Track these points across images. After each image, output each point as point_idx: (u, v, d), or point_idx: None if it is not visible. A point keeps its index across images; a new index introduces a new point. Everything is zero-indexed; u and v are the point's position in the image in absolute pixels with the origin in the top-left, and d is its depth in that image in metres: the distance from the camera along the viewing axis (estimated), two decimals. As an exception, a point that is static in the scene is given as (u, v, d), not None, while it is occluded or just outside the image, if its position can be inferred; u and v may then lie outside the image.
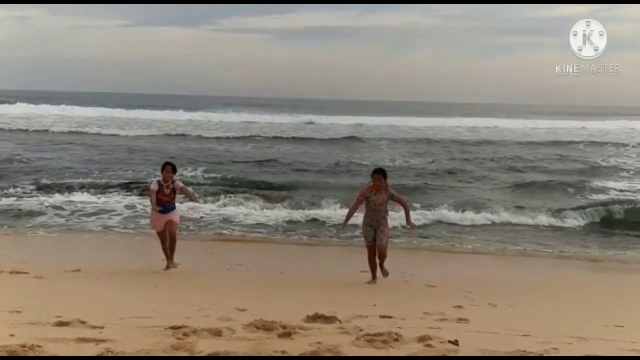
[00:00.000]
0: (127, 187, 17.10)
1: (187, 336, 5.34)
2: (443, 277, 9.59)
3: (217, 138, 33.83)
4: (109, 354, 4.77)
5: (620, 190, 19.42)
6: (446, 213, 14.74)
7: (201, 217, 14.15)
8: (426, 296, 8.21)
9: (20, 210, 14.25)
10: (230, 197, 16.09)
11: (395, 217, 13.14)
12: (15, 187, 16.59)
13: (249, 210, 14.92)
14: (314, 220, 14.26)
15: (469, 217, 14.61)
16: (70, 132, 34.15)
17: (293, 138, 34.92)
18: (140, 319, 5.97)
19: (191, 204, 14.96)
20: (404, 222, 13.54)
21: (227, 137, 34.16)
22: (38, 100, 56.30)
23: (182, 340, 5.20)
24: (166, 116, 48.67)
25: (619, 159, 28.13)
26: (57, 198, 15.40)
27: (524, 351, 5.28)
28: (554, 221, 14.62)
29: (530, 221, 14.58)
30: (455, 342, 5.45)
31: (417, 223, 13.87)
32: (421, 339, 5.50)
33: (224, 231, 13.24)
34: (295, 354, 5.00)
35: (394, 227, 12.18)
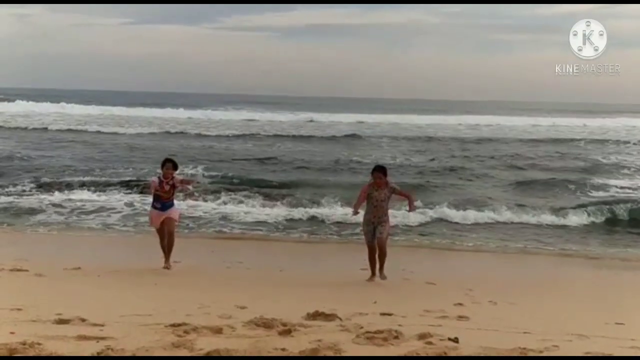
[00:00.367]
0: (127, 184, 17.09)
1: (188, 334, 5.35)
2: (443, 274, 9.59)
3: (218, 136, 33.79)
4: (110, 352, 4.77)
5: (622, 188, 19.40)
6: (447, 211, 14.72)
7: (199, 217, 14.15)
8: (426, 294, 8.21)
9: (20, 208, 14.24)
10: (230, 195, 16.09)
11: (397, 214, 13.18)
12: (15, 185, 16.59)
13: (249, 208, 14.92)
14: (314, 218, 14.25)
15: (470, 215, 14.59)
16: (70, 130, 34.11)
17: (293, 136, 34.89)
18: (141, 316, 5.97)
19: (192, 202, 15.05)
20: (405, 222, 13.61)
21: (228, 135, 34.14)
22: (38, 98, 56.24)
23: (182, 338, 5.21)
24: (167, 114, 48.67)
25: (620, 157, 28.11)
26: (57, 196, 15.40)
27: (524, 348, 5.28)
28: (555, 219, 14.60)
29: (531, 219, 14.56)
30: (456, 340, 5.45)
31: (417, 221, 13.95)
32: (421, 337, 5.51)
33: (224, 229, 13.24)
34: (296, 351, 5.00)
35: (396, 225, 12.22)
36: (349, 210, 14.27)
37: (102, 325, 5.55)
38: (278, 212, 14.60)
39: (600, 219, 14.83)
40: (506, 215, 14.67)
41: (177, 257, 9.38)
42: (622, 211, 15.23)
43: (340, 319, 6.19)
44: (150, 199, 9.75)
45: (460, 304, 7.36)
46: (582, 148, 32.20)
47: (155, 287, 8.07)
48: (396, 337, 5.46)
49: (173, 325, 5.57)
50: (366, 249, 9.02)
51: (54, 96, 64.39)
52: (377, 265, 8.92)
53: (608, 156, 28.11)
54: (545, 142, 34.59)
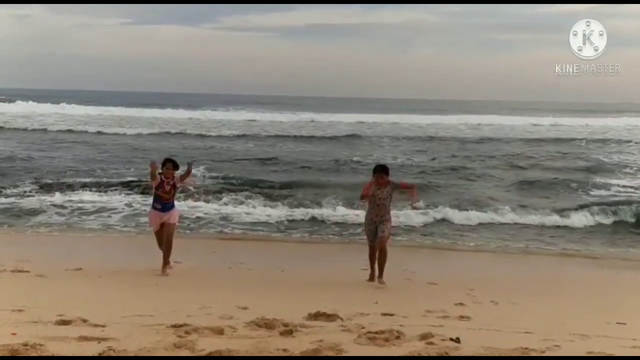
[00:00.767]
0: (128, 185, 17.10)
1: (189, 334, 5.35)
2: (445, 274, 9.59)
3: (219, 136, 33.81)
4: (111, 353, 4.78)
5: (624, 187, 19.39)
6: (448, 211, 14.71)
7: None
8: (428, 294, 8.21)
9: (21, 209, 14.24)
10: (231, 195, 16.09)
11: (399, 214, 13.20)
12: (16, 185, 16.59)
13: (250, 209, 14.91)
14: (316, 218, 14.25)
15: (472, 215, 14.58)
16: (71, 131, 34.13)
17: (294, 136, 34.90)
18: (142, 317, 5.97)
19: (193, 203, 15.05)
20: (407, 223, 13.61)
21: (228, 136, 34.16)
22: (38, 99, 56.23)
23: (183, 339, 5.21)
24: (167, 114, 48.67)
25: (621, 156, 28.12)
26: (58, 197, 15.39)
27: (526, 348, 5.28)
28: (557, 219, 14.58)
29: (532, 219, 14.54)
30: (457, 340, 5.45)
31: (419, 222, 13.95)
32: (423, 337, 5.51)
33: (225, 229, 13.24)
34: (297, 352, 5.00)
35: (397, 225, 12.23)
36: (350, 210, 14.40)
37: (104, 326, 5.55)
38: (279, 212, 14.60)
39: (602, 219, 14.79)
40: (508, 216, 14.65)
41: (178, 257, 9.38)
42: (624, 211, 15.19)
43: (342, 319, 6.19)
44: (150, 199, 9.74)
45: (462, 304, 7.36)
46: (583, 147, 32.19)
47: (157, 288, 8.06)
48: (398, 337, 5.46)
49: (174, 326, 5.57)
50: (367, 248, 9.01)
51: (55, 97, 64.42)
52: (377, 269, 8.87)
53: (610, 155, 28.11)
54: (546, 141, 34.59)
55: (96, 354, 4.73)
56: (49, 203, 14.72)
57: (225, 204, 15.39)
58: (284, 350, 5.01)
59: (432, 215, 14.46)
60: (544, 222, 14.40)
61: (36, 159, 22.24)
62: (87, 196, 15.63)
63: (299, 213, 14.52)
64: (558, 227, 14.20)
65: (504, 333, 5.95)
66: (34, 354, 4.66)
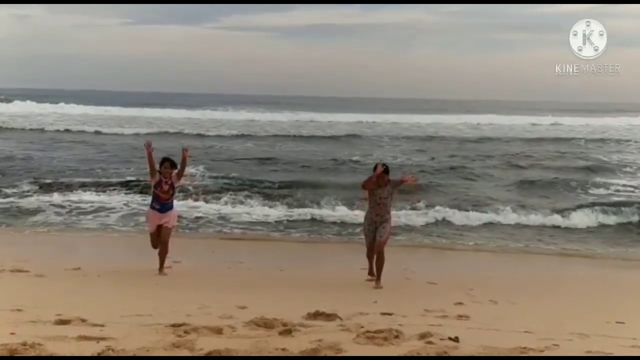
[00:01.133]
0: (127, 185, 17.10)
1: (188, 334, 5.35)
2: (444, 274, 9.59)
3: (218, 136, 33.80)
4: (110, 352, 4.78)
5: (624, 186, 19.41)
6: (448, 211, 14.71)
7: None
8: (427, 293, 8.21)
9: (20, 208, 14.24)
10: (231, 195, 16.10)
11: (399, 214, 13.21)
12: (14, 185, 16.59)
13: (250, 208, 14.92)
14: (315, 218, 14.25)
15: (471, 215, 14.58)
16: (69, 131, 34.12)
17: (294, 136, 34.90)
18: (141, 316, 5.97)
19: (192, 203, 15.04)
20: (406, 222, 13.58)
21: (228, 135, 34.15)
22: (38, 99, 56.17)
23: (182, 338, 5.21)
24: (166, 114, 48.64)
25: (621, 155, 28.13)
26: (57, 196, 15.39)
27: (525, 348, 5.28)
28: (556, 218, 14.58)
29: (532, 218, 14.53)
30: (456, 339, 5.45)
31: (419, 222, 13.96)
32: (422, 336, 5.51)
33: (225, 229, 13.24)
34: (296, 351, 5.00)
35: (398, 226, 12.24)
36: (350, 211, 14.40)
37: (103, 326, 5.55)
38: (278, 212, 14.61)
39: (602, 219, 14.77)
40: (508, 215, 14.63)
41: (177, 257, 9.38)
42: (624, 211, 15.17)
43: (341, 319, 6.19)
44: (149, 199, 9.72)
45: (461, 304, 7.36)
46: (583, 147, 32.20)
47: (156, 288, 8.07)
48: (397, 337, 5.46)
49: (173, 325, 5.57)
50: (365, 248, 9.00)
51: (54, 96, 64.34)
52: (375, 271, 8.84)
53: (609, 155, 28.12)
54: (546, 141, 34.61)
55: (95, 354, 4.73)
56: (47, 203, 14.72)
57: (225, 203, 15.39)
58: (283, 349, 5.01)
59: (432, 215, 14.47)
60: (544, 222, 14.40)
61: (35, 159, 22.23)
62: (86, 196, 15.63)
63: (298, 213, 14.52)
64: (558, 227, 14.20)
65: (503, 332, 5.95)
66: (33, 354, 4.66)
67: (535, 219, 14.51)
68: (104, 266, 9.09)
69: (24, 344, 4.75)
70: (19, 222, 13.09)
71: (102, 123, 38.67)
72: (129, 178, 18.10)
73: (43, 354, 4.69)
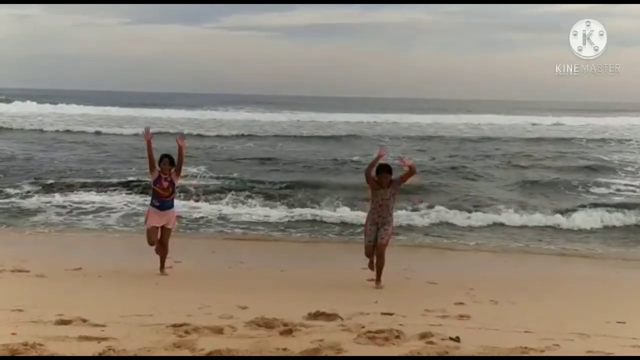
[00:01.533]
0: (128, 185, 17.10)
1: (189, 334, 5.35)
2: (444, 274, 9.59)
3: (218, 136, 33.79)
4: (111, 352, 4.78)
5: (625, 186, 19.41)
6: (448, 211, 14.70)
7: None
8: (427, 293, 8.21)
9: (20, 209, 14.25)
10: (231, 195, 16.10)
11: (401, 214, 13.21)
12: (15, 186, 16.59)
13: (250, 209, 14.93)
14: (315, 218, 14.25)
15: (471, 215, 14.58)
16: (69, 131, 34.10)
17: (294, 136, 34.90)
18: (142, 317, 5.97)
19: (193, 203, 15.04)
20: (406, 222, 13.55)
21: (228, 135, 34.14)
22: (38, 99, 56.14)
23: (183, 338, 5.21)
24: (167, 114, 48.61)
25: (622, 155, 28.11)
26: (57, 197, 15.40)
27: (526, 348, 5.28)
28: (558, 218, 14.56)
29: (533, 218, 14.52)
30: (457, 339, 5.46)
31: (418, 220, 13.96)
32: (422, 336, 5.51)
33: (225, 229, 13.25)
34: (297, 351, 5.00)
35: (400, 226, 12.23)
36: (350, 211, 14.40)
37: (104, 326, 5.55)
38: (279, 212, 14.61)
39: (603, 219, 14.74)
40: (509, 215, 14.61)
41: (178, 257, 9.39)
42: (625, 211, 15.15)
43: (342, 319, 6.19)
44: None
45: (461, 304, 7.36)
46: (584, 147, 32.19)
47: (156, 288, 8.07)
48: (397, 337, 5.46)
49: (174, 325, 5.57)
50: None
51: (54, 97, 64.33)
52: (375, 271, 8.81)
53: (610, 155, 28.11)
54: (546, 140, 34.60)
55: (96, 354, 4.73)
56: (48, 203, 14.73)
57: (226, 203, 15.40)
58: (284, 349, 5.02)
59: (432, 215, 14.46)
60: (544, 221, 14.38)
61: (35, 159, 22.24)
62: (87, 196, 15.64)
63: (299, 213, 14.53)
64: (558, 226, 14.19)
65: (503, 332, 5.95)
66: (33, 354, 4.66)
67: (536, 218, 14.47)
68: (105, 266, 9.09)
69: (25, 344, 4.75)
70: (19, 222, 13.09)
71: (102, 123, 38.63)
72: (129, 178, 18.10)
73: (44, 354, 4.69)
